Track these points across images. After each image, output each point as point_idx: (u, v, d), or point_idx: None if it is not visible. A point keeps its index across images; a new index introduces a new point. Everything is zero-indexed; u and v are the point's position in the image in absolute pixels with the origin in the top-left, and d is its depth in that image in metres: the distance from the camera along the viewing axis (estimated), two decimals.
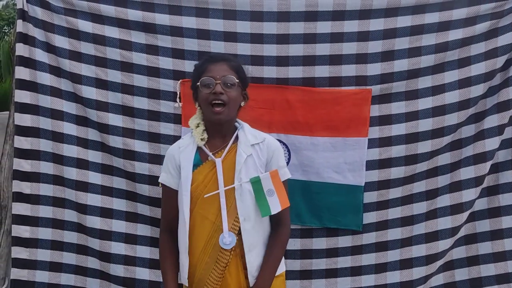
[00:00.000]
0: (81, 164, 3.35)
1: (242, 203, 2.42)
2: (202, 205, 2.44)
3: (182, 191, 2.46)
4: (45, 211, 3.38)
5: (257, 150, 2.49)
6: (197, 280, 2.46)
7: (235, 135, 2.51)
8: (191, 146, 2.52)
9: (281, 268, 2.55)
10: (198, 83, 2.45)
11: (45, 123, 3.33)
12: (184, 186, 2.46)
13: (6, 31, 14.73)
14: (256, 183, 2.41)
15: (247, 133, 2.52)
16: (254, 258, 2.43)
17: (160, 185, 2.59)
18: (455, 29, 3.20)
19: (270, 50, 3.23)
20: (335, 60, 3.23)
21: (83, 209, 3.35)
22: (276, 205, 2.41)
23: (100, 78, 3.29)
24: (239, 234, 2.42)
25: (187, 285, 2.51)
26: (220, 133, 2.50)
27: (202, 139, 2.49)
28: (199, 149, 2.51)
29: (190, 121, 2.58)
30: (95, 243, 3.37)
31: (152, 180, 3.31)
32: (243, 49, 3.21)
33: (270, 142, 2.53)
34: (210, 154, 2.47)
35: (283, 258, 2.55)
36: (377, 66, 3.23)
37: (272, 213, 2.41)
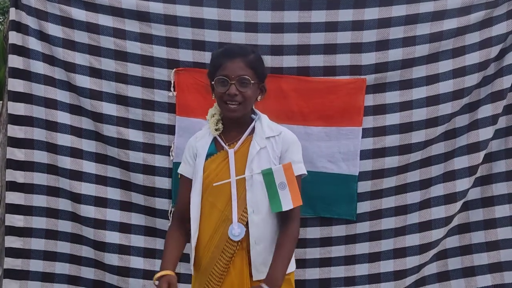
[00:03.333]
0: (75, 153, 3.34)
1: (252, 195, 2.41)
2: (212, 193, 2.45)
3: (195, 178, 2.49)
4: (39, 200, 3.37)
5: (272, 143, 2.48)
6: (203, 269, 2.48)
7: (251, 126, 2.51)
8: (207, 136, 2.54)
9: (291, 267, 2.51)
10: (213, 82, 2.45)
11: (39, 112, 3.31)
12: (197, 174, 2.48)
13: (0, 20, 14.64)
14: (268, 175, 2.39)
15: (263, 125, 2.51)
16: (259, 252, 2.42)
17: (179, 176, 2.62)
18: (449, 19, 3.19)
19: (265, 39, 3.22)
20: (330, 49, 3.22)
21: (77, 198, 3.35)
22: (288, 201, 2.38)
23: (94, 67, 3.28)
24: (246, 226, 2.41)
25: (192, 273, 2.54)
26: (236, 124, 2.51)
27: (216, 130, 2.51)
28: (215, 139, 2.52)
29: (209, 110, 2.59)
30: (89, 232, 3.37)
31: (146, 169, 3.31)
32: (237, 38, 3.20)
33: (286, 136, 2.52)
34: (224, 144, 2.48)
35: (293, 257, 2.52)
36: (372, 55, 3.22)
37: (283, 210, 2.39)
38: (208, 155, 2.51)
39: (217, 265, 2.43)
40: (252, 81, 2.43)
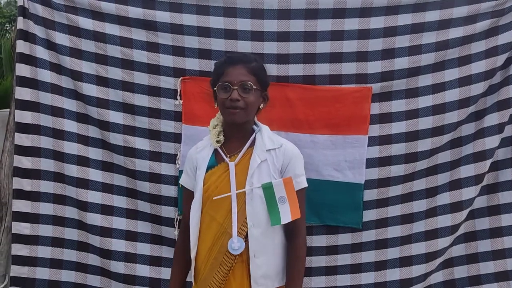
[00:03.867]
0: (82, 161, 3.35)
1: (252, 208, 2.40)
2: (212, 205, 2.45)
3: (195, 190, 2.49)
4: (45, 208, 3.38)
5: (273, 155, 2.46)
6: (202, 280, 2.48)
7: (252, 138, 2.50)
8: (208, 147, 2.54)
9: (276, 283, 2.49)
10: (215, 88, 2.45)
11: (46, 120, 3.33)
12: (197, 186, 2.49)
13: (7, 28, 14.71)
14: (268, 189, 2.39)
15: (264, 137, 2.50)
16: (259, 266, 2.41)
17: (181, 186, 2.66)
18: (455, 27, 3.19)
19: (271, 47, 3.23)
20: (336, 58, 3.23)
21: (83, 206, 3.36)
22: (287, 215, 2.38)
23: (101, 75, 3.29)
24: (245, 239, 2.41)
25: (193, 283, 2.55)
26: (237, 135, 2.50)
27: (217, 141, 2.50)
28: (215, 151, 2.51)
29: (211, 121, 2.59)
30: (95, 240, 3.38)
31: (153, 177, 3.32)
32: (243, 46, 3.21)
33: (287, 149, 2.50)
34: (224, 157, 2.47)
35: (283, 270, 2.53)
36: (378, 64, 3.22)
37: (282, 223, 2.39)
38: (209, 168, 2.50)
39: (215, 277, 2.42)
40: (254, 87, 2.43)
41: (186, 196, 2.60)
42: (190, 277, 2.59)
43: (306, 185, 2.52)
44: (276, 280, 2.46)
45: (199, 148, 2.58)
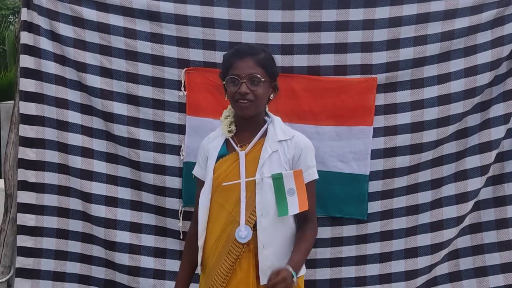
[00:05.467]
0: (86, 152, 3.35)
1: (262, 198, 2.42)
2: (222, 193, 2.47)
3: (206, 179, 2.51)
4: (50, 200, 3.38)
5: (284, 146, 2.48)
6: (209, 269, 2.49)
7: (263, 129, 2.51)
8: (219, 137, 2.56)
9: (301, 271, 2.51)
10: (224, 82, 2.47)
11: (50, 111, 3.33)
12: (207, 175, 2.50)
13: (11, 20, 14.72)
14: (277, 179, 2.40)
15: (276, 128, 2.52)
16: (267, 257, 2.41)
17: (193, 177, 2.69)
18: (461, 17, 3.17)
19: (275, 38, 3.22)
20: (340, 48, 3.21)
21: (88, 197, 3.36)
22: (294, 206, 2.39)
23: (105, 66, 3.28)
24: (253, 228, 2.42)
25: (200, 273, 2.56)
26: (249, 126, 2.51)
27: (229, 131, 2.52)
28: (227, 140, 2.53)
29: (223, 112, 2.61)
30: (100, 232, 3.37)
31: (157, 168, 3.32)
32: (248, 37, 3.20)
33: (299, 140, 2.52)
34: (235, 146, 2.48)
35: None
36: (383, 54, 3.21)
37: (289, 214, 2.40)
38: (220, 157, 2.52)
39: (222, 266, 2.43)
40: (263, 79, 2.44)
41: (199, 187, 2.61)
42: (197, 270, 2.60)
43: (317, 177, 2.54)
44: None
45: (211, 138, 2.61)
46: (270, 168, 2.44)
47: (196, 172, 2.66)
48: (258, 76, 2.42)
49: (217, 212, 2.48)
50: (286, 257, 2.44)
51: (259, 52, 2.49)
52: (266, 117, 2.57)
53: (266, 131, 2.52)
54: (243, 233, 2.40)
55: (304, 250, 2.46)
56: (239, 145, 2.50)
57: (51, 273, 3.42)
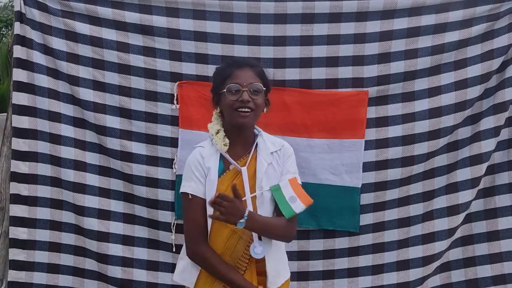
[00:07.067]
0: (79, 166, 3.35)
1: (263, 211, 2.43)
2: None
3: (207, 199, 2.39)
4: (42, 213, 3.38)
5: (276, 157, 2.50)
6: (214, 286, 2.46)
7: (256, 142, 2.51)
8: (214, 154, 2.48)
9: (286, 274, 2.56)
10: (224, 90, 2.41)
11: (43, 125, 3.33)
12: (208, 195, 2.40)
13: (4, 33, 14.70)
14: (276, 191, 2.42)
15: (266, 141, 2.52)
16: (272, 266, 2.46)
17: (190, 196, 2.43)
18: (451, 31, 3.21)
19: (267, 52, 3.24)
20: (332, 62, 3.24)
21: (80, 210, 3.36)
22: (299, 206, 2.41)
23: (98, 80, 3.30)
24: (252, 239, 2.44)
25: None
26: (240, 139, 2.49)
27: (225, 145, 2.46)
28: (221, 156, 2.48)
29: (209, 127, 2.53)
30: (92, 245, 3.37)
31: (149, 182, 3.32)
32: (240, 51, 3.22)
33: (286, 148, 2.55)
34: (234, 162, 2.45)
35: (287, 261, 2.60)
36: (374, 68, 3.24)
37: (297, 212, 2.41)
38: (220, 174, 2.46)
39: None
40: (264, 88, 2.45)
41: (198, 205, 2.43)
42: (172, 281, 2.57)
43: (300, 182, 2.54)
44: (281, 276, 2.52)
45: (206, 157, 2.47)
46: (268, 181, 2.44)
47: (196, 190, 2.43)
48: (260, 85, 2.43)
49: (217, 229, 2.45)
50: (283, 260, 2.55)
51: (256, 64, 2.51)
52: (254, 130, 2.57)
53: (256, 144, 2.52)
54: (258, 249, 2.40)
55: (269, 223, 2.41)
56: (234, 160, 2.46)
57: (44, 287, 3.41)
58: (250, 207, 2.40)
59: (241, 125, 2.43)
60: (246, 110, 2.39)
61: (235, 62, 2.51)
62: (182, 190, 2.46)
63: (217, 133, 2.49)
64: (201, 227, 2.44)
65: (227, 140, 2.47)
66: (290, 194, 2.41)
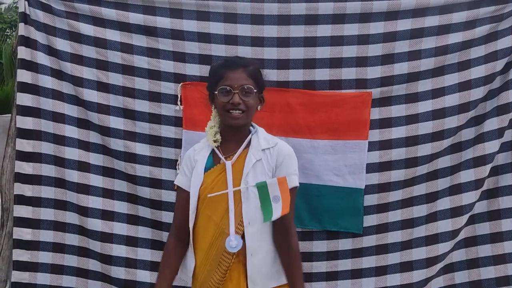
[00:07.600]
0: (83, 166, 3.36)
1: (248, 207, 2.41)
2: (209, 205, 2.45)
3: (191, 192, 2.49)
4: (46, 214, 3.39)
5: (267, 154, 2.48)
6: (200, 283, 2.48)
7: (248, 139, 2.52)
8: (205, 148, 2.55)
9: (274, 282, 2.50)
10: (216, 92, 2.45)
11: (47, 126, 3.34)
12: (193, 187, 2.48)
13: (8, 34, 14.77)
14: (262, 188, 2.39)
15: (260, 138, 2.52)
16: (255, 264, 2.42)
17: (175, 187, 2.62)
18: (455, 32, 3.20)
19: (271, 53, 3.24)
20: (336, 63, 3.24)
21: (84, 211, 3.37)
22: (278, 211, 2.37)
23: (102, 81, 3.30)
24: (242, 238, 2.41)
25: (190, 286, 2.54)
26: (234, 137, 2.51)
27: (214, 141, 2.51)
28: (212, 152, 2.53)
29: (208, 124, 2.59)
30: (96, 246, 3.38)
31: (153, 182, 3.33)
32: (244, 52, 3.22)
33: (281, 147, 2.52)
34: (221, 156, 2.48)
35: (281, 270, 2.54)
36: (377, 69, 3.23)
37: (273, 219, 2.38)
38: (206, 169, 2.51)
39: (213, 277, 2.43)
40: (255, 90, 2.45)
41: (183, 197, 2.54)
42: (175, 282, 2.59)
43: (297, 185, 2.52)
44: (273, 280, 2.47)
45: (197, 150, 2.58)
46: (254, 177, 2.44)
47: (180, 182, 2.57)
48: (251, 87, 2.44)
49: (205, 225, 2.47)
50: (273, 264, 2.47)
51: (249, 64, 2.51)
52: (251, 127, 2.58)
53: (249, 141, 2.52)
54: (233, 242, 2.39)
55: (301, 274, 2.48)
56: (224, 156, 2.49)
57: (47, 287, 3.42)
58: (231, 201, 2.41)
59: (232, 126, 2.47)
60: (237, 112, 2.42)
61: (228, 62, 2.52)
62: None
63: (211, 128, 2.54)
64: (177, 218, 2.59)
65: (218, 136, 2.52)
66: (275, 194, 2.37)
